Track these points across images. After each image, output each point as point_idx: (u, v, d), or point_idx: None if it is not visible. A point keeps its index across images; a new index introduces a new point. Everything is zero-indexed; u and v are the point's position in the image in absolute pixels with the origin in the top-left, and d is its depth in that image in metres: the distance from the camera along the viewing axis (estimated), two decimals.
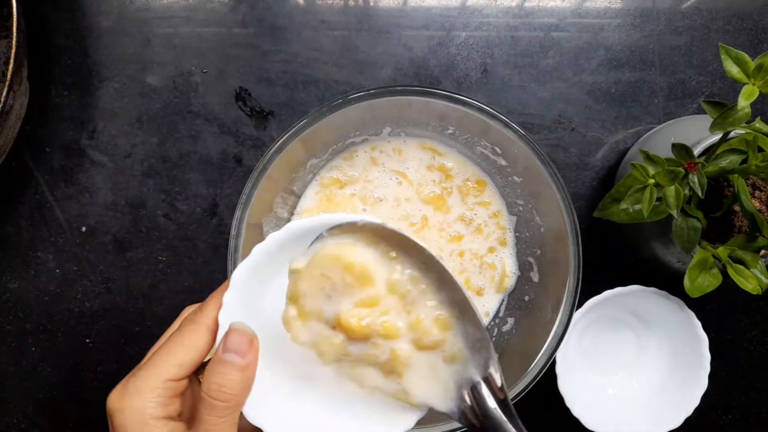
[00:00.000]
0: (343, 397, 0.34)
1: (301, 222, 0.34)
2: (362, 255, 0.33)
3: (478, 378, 0.33)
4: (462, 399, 0.33)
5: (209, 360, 0.32)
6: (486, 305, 0.54)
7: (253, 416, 0.33)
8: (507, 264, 0.54)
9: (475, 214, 0.53)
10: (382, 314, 0.33)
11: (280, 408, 0.34)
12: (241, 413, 0.32)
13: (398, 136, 0.53)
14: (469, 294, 0.33)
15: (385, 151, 0.54)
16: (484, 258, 0.53)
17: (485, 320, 0.53)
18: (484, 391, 0.33)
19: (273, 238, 0.34)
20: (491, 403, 0.33)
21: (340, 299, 0.33)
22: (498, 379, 0.33)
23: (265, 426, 0.33)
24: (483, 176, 0.54)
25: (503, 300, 0.54)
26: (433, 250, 0.33)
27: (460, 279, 0.37)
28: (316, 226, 0.34)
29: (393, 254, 0.33)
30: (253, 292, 0.34)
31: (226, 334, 0.32)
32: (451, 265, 0.53)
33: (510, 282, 0.54)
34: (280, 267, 0.34)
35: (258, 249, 0.34)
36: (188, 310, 0.36)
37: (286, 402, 0.35)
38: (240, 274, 0.34)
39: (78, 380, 0.58)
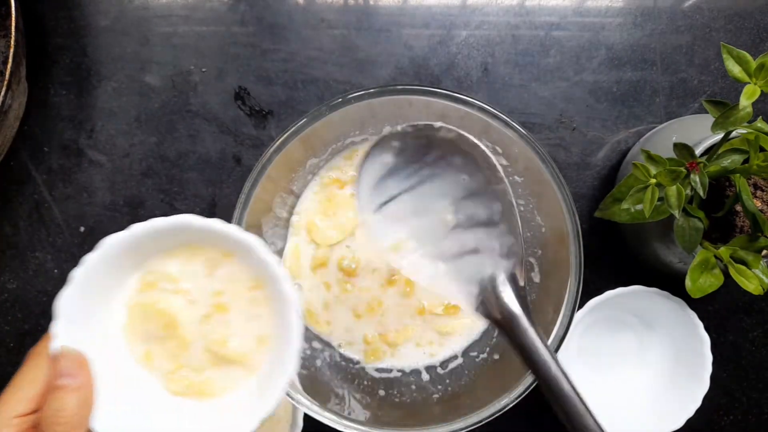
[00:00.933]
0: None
1: (114, 237, 0.34)
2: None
3: (503, 277, 0.36)
4: (486, 296, 0.36)
5: None
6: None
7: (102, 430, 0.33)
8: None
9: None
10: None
11: (132, 420, 0.35)
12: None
13: None
14: (515, 204, 0.36)
15: None
16: None
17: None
18: (508, 288, 0.36)
19: (89, 259, 0.34)
20: (513, 306, 0.36)
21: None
22: (521, 280, 0.36)
23: None
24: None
25: None
26: None
27: None
28: (164, 225, 0.34)
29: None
30: (86, 310, 0.35)
31: (56, 359, 0.32)
32: None
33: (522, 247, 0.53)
34: (114, 277, 0.35)
35: (74, 273, 0.34)
36: (31, 352, 0.35)
37: (138, 413, 0.36)
38: (63, 302, 0.34)
39: None
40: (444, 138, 0.36)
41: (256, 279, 0.36)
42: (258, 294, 0.36)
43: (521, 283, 0.36)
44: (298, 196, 0.53)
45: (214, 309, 0.37)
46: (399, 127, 0.36)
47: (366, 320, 0.53)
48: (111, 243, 0.34)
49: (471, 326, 0.53)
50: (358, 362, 0.53)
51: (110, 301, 0.36)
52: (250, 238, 0.35)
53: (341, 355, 0.53)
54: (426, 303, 0.53)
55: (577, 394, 0.34)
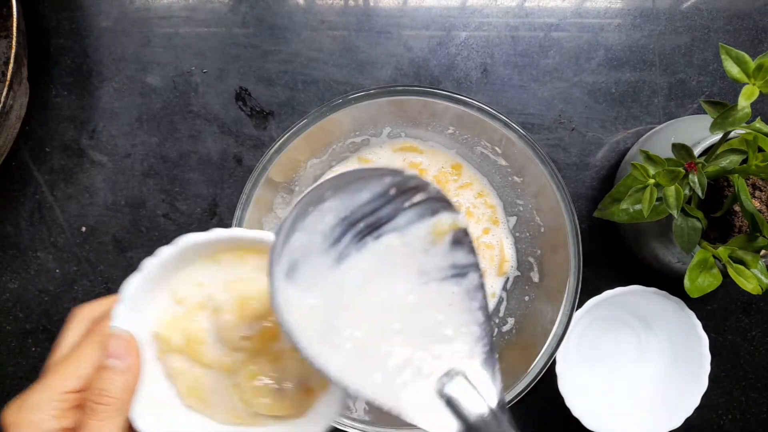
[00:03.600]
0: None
1: (193, 236, 0.33)
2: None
3: (473, 375, 0.29)
4: (452, 401, 0.29)
5: None
6: (492, 286, 0.54)
7: (142, 426, 0.32)
8: (505, 244, 0.54)
9: (461, 198, 0.53)
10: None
11: (172, 421, 0.34)
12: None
13: (398, 137, 0.53)
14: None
15: (377, 153, 0.54)
16: (481, 239, 0.54)
17: (492, 300, 0.54)
18: (480, 390, 0.29)
19: (165, 252, 0.33)
20: (484, 409, 0.28)
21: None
22: (497, 376, 0.29)
23: None
24: (457, 159, 0.54)
25: (504, 288, 0.54)
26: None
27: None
28: (210, 240, 0.33)
29: None
30: (145, 303, 0.34)
31: (108, 340, 0.32)
32: None
33: (510, 266, 0.54)
34: (173, 276, 0.34)
35: (149, 262, 0.33)
36: (78, 313, 0.36)
37: (180, 416, 0.34)
38: (130, 288, 0.33)
39: None
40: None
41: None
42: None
43: (497, 378, 0.29)
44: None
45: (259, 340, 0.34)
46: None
47: None
48: (188, 241, 0.33)
49: None
50: None
51: (165, 298, 0.35)
52: None
53: None
54: None
55: None
